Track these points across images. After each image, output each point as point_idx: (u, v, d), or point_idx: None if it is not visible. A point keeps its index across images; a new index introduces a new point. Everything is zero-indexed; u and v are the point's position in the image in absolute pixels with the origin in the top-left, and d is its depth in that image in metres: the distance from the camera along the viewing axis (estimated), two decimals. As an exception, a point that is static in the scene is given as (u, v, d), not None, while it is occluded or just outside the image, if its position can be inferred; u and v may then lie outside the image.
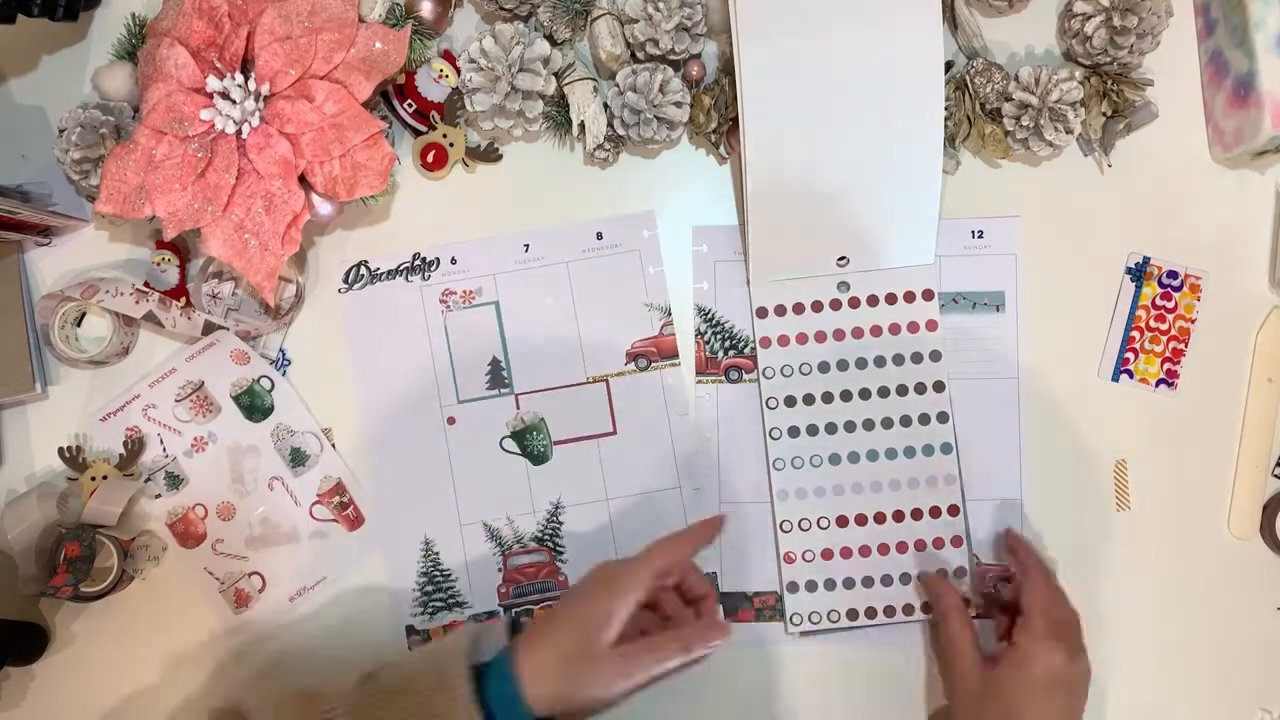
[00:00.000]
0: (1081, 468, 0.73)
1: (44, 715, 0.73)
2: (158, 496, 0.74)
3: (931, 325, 0.72)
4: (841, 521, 0.72)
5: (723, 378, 0.74)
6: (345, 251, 0.75)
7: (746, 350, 0.74)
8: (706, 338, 0.74)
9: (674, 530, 0.64)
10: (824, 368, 0.73)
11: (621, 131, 0.72)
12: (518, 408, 0.74)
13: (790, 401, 0.72)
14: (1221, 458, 0.73)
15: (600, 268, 0.75)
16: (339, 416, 0.75)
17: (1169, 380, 0.73)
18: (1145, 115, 0.72)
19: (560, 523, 0.74)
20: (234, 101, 0.67)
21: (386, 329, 0.75)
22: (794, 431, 0.72)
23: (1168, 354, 0.73)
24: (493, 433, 0.74)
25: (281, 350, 0.75)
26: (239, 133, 0.68)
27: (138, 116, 0.71)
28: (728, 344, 0.74)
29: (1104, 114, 0.72)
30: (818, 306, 0.73)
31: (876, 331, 0.73)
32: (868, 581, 0.71)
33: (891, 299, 0.73)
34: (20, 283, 0.75)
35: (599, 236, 0.75)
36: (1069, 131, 0.70)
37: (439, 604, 0.74)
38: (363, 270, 0.75)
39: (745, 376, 0.74)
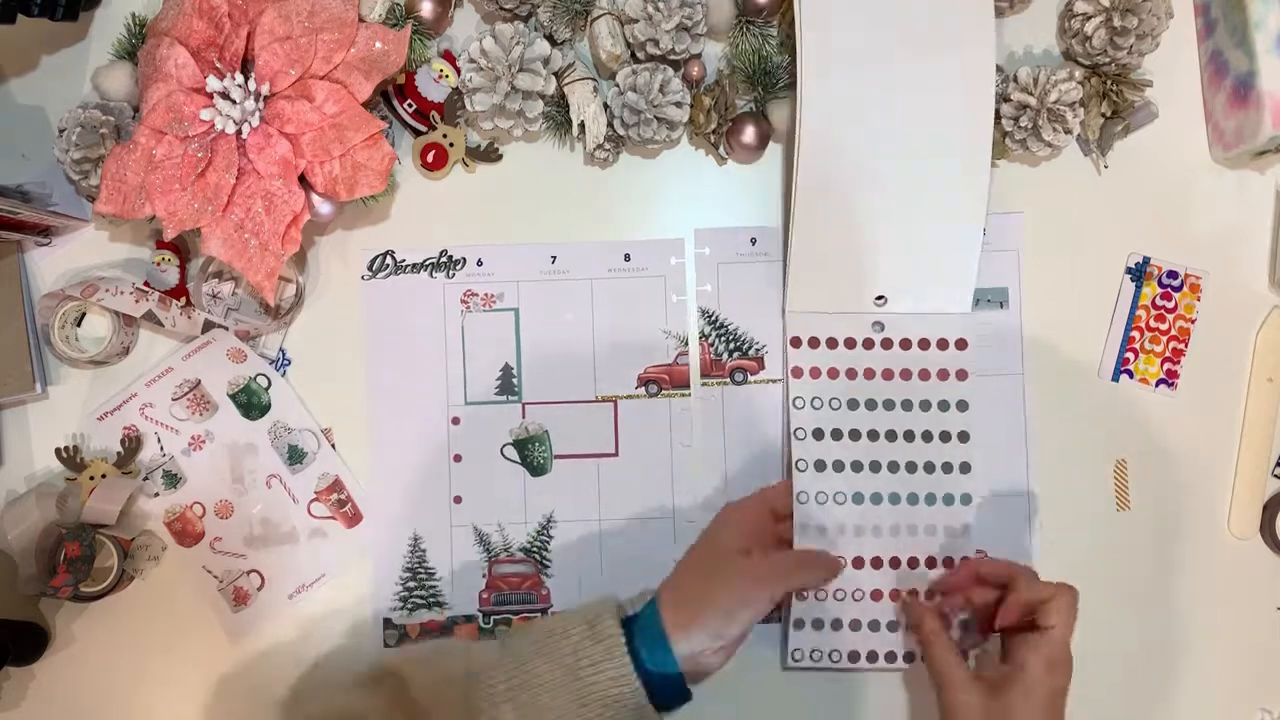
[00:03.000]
0: (1081, 468, 0.73)
1: (44, 715, 0.73)
2: (156, 495, 0.74)
3: (961, 375, 0.72)
4: (858, 563, 0.70)
5: (728, 380, 0.74)
6: (347, 250, 0.75)
7: (752, 352, 0.74)
8: (711, 340, 0.74)
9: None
10: (853, 405, 0.71)
11: (621, 131, 0.72)
12: (523, 417, 0.74)
13: (819, 435, 0.71)
14: (1221, 458, 0.73)
15: (624, 289, 0.75)
16: (339, 416, 0.75)
17: (1169, 380, 0.73)
18: (1145, 115, 0.72)
19: (550, 537, 0.74)
20: (234, 101, 0.67)
21: (404, 320, 0.75)
22: (820, 466, 0.71)
23: (1168, 354, 0.73)
24: (495, 439, 0.74)
25: (281, 350, 0.75)
26: (239, 133, 0.68)
27: (138, 116, 0.71)
28: (732, 346, 0.74)
29: (1103, 114, 0.72)
30: (850, 343, 0.72)
31: (906, 375, 0.72)
32: (874, 626, 0.70)
33: (925, 344, 0.72)
34: (20, 283, 0.74)
35: (626, 258, 0.75)
36: (1067, 132, 0.70)
37: (419, 601, 0.74)
38: (388, 259, 0.75)
39: (751, 378, 0.74)
